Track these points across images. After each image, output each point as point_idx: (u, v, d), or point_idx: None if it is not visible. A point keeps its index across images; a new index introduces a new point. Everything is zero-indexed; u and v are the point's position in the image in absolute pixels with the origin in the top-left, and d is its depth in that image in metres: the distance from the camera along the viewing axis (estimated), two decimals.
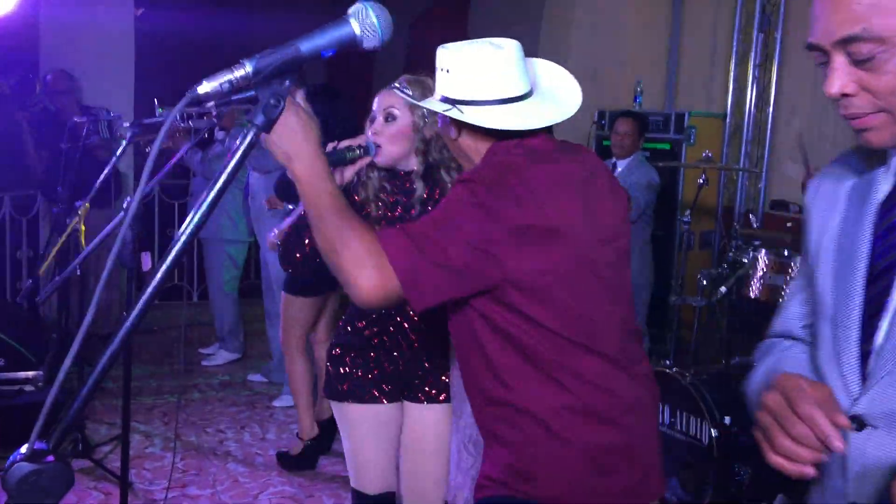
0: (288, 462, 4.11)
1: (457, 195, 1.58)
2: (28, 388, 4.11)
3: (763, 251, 3.63)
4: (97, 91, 5.93)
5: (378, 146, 2.29)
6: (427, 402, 2.48)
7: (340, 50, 1.02)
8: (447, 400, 2.47)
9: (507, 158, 1.66)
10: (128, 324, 0.97)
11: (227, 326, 5.77)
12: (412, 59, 8.68)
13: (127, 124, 4.40)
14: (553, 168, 1.66)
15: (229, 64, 1.02)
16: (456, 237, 1.53)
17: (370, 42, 1.03)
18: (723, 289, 3.18)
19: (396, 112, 2.32)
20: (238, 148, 1.01)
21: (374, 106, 2.37)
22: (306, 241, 2.25)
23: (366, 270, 1.48)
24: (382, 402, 2.48)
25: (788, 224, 4.30)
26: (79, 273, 4.88)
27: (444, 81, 1.72)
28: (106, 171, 3.89)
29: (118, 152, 3.97)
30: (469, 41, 1.73)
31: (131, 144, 4.36)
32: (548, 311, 1.64)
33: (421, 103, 1.78)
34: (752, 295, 3.59)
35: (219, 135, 5.26)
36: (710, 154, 4.24)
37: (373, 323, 2.45)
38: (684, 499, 3.60)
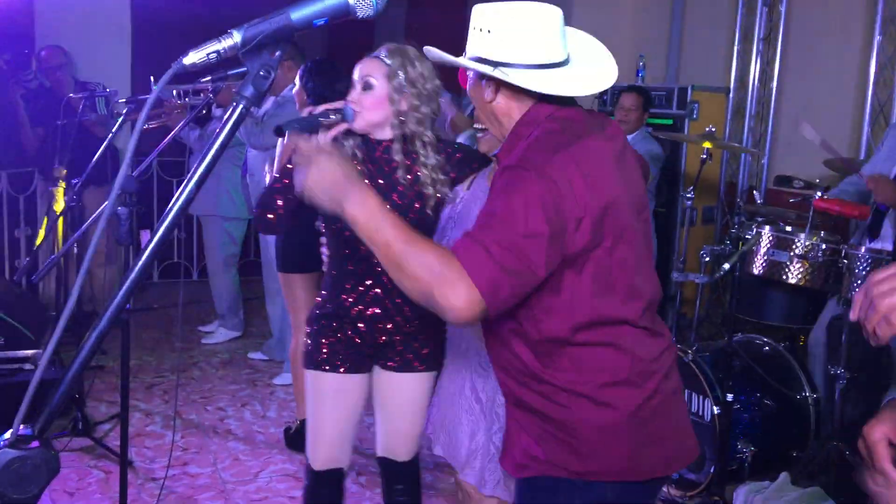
0: (293, 440, 4.04)
1: (512, 186, 1.55)
2: (27, 366, 4.09)
3: (767, 227, 3.59)
4: (93, 67, 5.86)
5: (356, 112, 2.32)
6: (404, 372, 2.54)
7: (333, 19, 0.98)
8: (425, 369, 2.54)
9: (548, 136, 1.64)
10: (116, 301, 0.94)
11: (226, 304, 5.75)
12: (411, 32, 8.59)
13: (123, 100, 4.36)
14: (594, 144, 1.65)
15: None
16: (525, 244, 1.51)
17: (364, 10, 0.99)
18: (726, 266, 3.15)
19: (373, 81, 2.34)
20: (226, 122, 0.97)
21: (355, 74, 2.39)
22: (279, 203, 2.39)
23: (455, 290, 1.47)
24: (350, 373, 2.53)
25: (791, 200, 4.25)
26: (76, 251, 4.85)
27: (483, 42, 1.69)
28: (102, 148, 3.86)
29: (114, 128, 3.94)
30: (510, 2, 1.70)
31: (128, 121, 4.32)
32: (588, 281, 1.64)
33: (459, 61, 1.72)
34: (755, 271, 3.55)
35: (216, 112, 5.20)
36: (713, 129, 4.18)
37: (351, 294, 2.48)
38: (686, 475, 3.59)
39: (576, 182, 1.55)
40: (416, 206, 2.40)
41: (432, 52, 1.83)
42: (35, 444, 0.86)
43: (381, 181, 2.40)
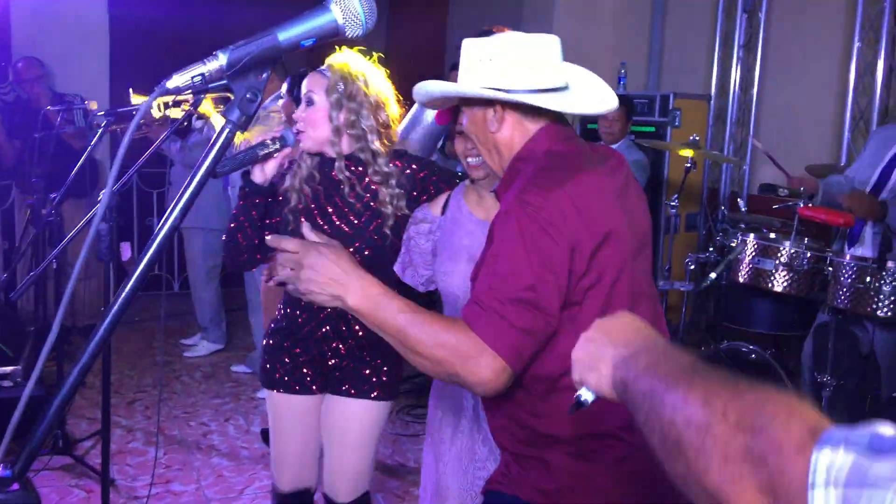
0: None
1: (510, 233, 1.52)
2: (6, 383, 4.02)
3: (751, 235, 3.59)
4: (71, 79, 5.80)
5: (299, 132, 2.28)
6: (357, 398, 2.43)
7: (321, 39, 0.95)
8: (378, 398, 2.44)
9: (543, 173, 1.60)
10: (101, 331, 0.91)
11: (208, 316, 5.69)
12: (393, 42, 8.58)
13: (102, 112, 4.31)
14: (592, 178, 1.63)
15: (207, 50, 0.95)
16: (536, 296, 1.48)
17: (353, 30, 0.96)
18: (713, 275, 3.15)
19: (315, 97, 2.29)
20: (213, 145, 0.94)
21: (303, 89, 2.35)
22: (240, 241, 2.34)
23: (479, 365, 1.44)
24: (310, 393, 2.47)
25: (775, 206, 4.26)
26: (55, 266, 4.78)
27: (485, 71, 1.67)
28: (81, 161, 3.80)
29: (93, 141, 3.88)
30: (509, 32, 1.75)
31: (107, 133, 4.27)
32: (586, 320, 1.40)
33: (465, 90, 1.68)
34: (740, 279, 3.55)
35: (197, 123, 5.14)
36: (696, 137, 4.19)
37: (305, 313, 2.42)
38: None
39: (569, 216, 1.53)
40: (374, 224, 2.33)
41: (429, 85, 1.77)
42: (15, 486, 0.82)
43: (337, 201, 2.35)
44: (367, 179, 2.32)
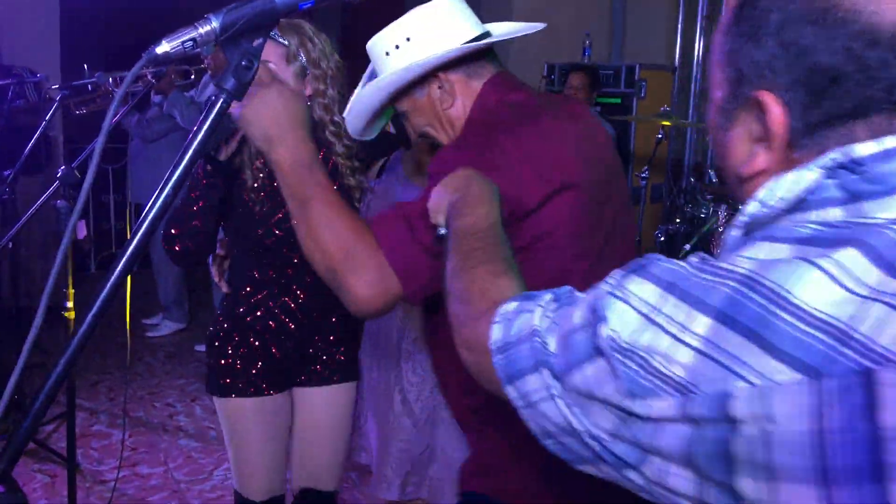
0: None
1: (443, 168, 1.38)
2: None
3: (722, 206, 3.59)
4: (20, 52, 5.59)
5: None
6: (319, 385, 2.29)
7: (319, 2, 0.89)
8: (341, 380, 2.31)
9: (491, 117, 1.51)
10: (73, 346, 0.84)
11: (171, 295, 5.58)
12: (347, 23, 8.42)
13: (56, 86, 4.16)
14: (546, 124, 1.51)
15: (164, 23, 0.88)
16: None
17: None
18: (687, 246, 3.13)
19: (273, 66, 2.01)
20: (206, 118, 0.88)
21: None
22: (201, 230, 2.07)
23: (365, 275, 1.31)
24: (269, 394, 2.23)
25: None
26: (10, 245, 4.63)
27: (407, 53, 1.55)
28: (36, 136, 3.66)
29: (48, 116, 3.74)
30: (408, 13, 1.57)
31: (60, 108, 4.12)
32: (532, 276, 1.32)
33: (401, 75, 1.54)
34: (715, 251, 3.55)
35: (155, 98, 5.01)
36: (667, 108, 4.17)
37: (254, 307, 2.21)
38: None
39: (513, 159, 1.41)
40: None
41: (358, 100, 1.63)
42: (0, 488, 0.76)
43: None
44: (320, 154, 2.13)
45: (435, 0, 1.56)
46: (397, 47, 1.56)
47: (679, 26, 6.18)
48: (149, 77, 3.66)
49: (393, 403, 2.31)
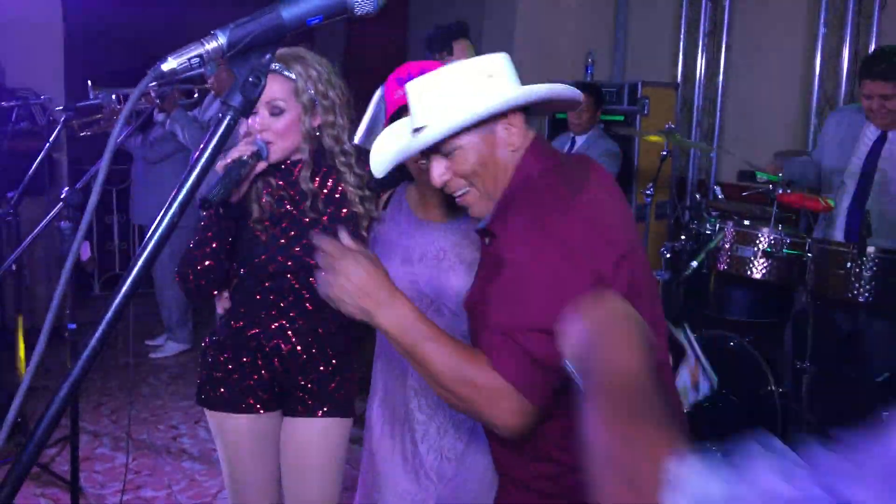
0: None
1: (525, 261, 1.45)
2: None
3: (729, 223, 3.57)
4: (24, 73, 5.60)
5: (268, 143, 2.04)
6: (308, 416, 2.24)
7: (329, 17, 0.87)
8: (331, 413, 2.25)
9: (544, 186, 1.55)
10: (76, 370, 0.82)
11: (175, 316, 5.55)
12: (352, 36, 8.45)
13: (60, 107, 4.16)
14: (596, 195, 1.57)
15: (166, 43, 0.86)
16: (550, 328, 1.32)
17: (363, 7, 0.88)
18: (694, 263, 3.11)
19: (282, 104, 2.03)
20: (213, 135, 0.86)
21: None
22: (215, 270, 2.10)
23: (503, 408, 1.39)
24: (259, 412, 2.21)
25: (744, 193, 4.26)
26: (13, 268, 4.61)
27: (487, 87, 1.57)
28: (39, 157, 3.66)
29: (52, 137, 3.74)
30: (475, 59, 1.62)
31: (64, 129, 4.12)
32: None
33: (484, 111, 1.53)
34: (721, 267, 3.53)
35: (158, 117, 5.01)
36: (672, 125, 4.16)
37: (250, 325, 2.19)
38: None
39: (589, 237, 1.47)
40: (350, 229, 2.11)
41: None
42: None
43: (303, 207, 2.15)
44: (329, 182, 2.17)
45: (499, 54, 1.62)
46: (480, 75, 1.57)
47: (681, 43, 6.18)
48: (153, 96, 3.67)
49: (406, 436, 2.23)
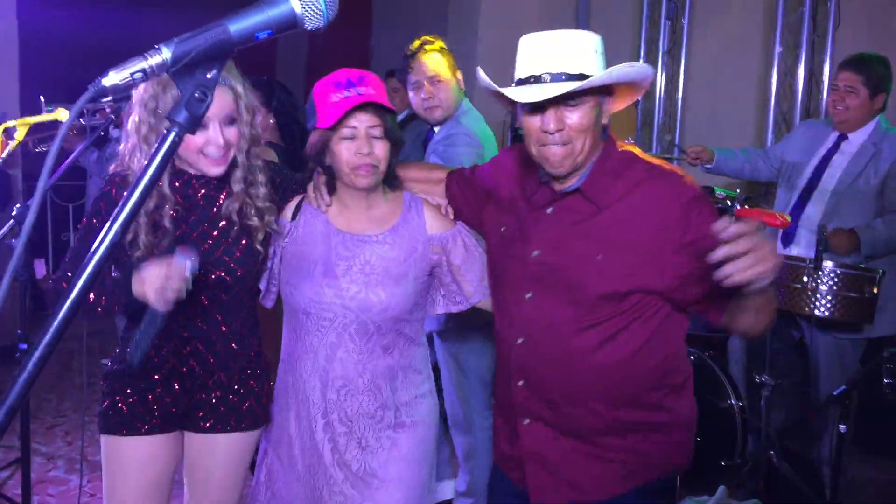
0: None
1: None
2: None
3: None
4: None
5: (223, 155, 1.98)
6: (220, 432, 2.17)
7: (279, 31, 0.86)
8: (237, 428, 2.17)
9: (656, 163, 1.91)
10: (32, 364, 0.79)
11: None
12: (315, 51, 8.43)
13: (13, 122, 4.08)
14: None
15: (123, 57, 0.84)
16: None
17: (313, 21, 0.87)
18: None
19: (234, 114, 1.98)
20: (157, 152, 0.84)
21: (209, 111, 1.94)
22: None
23: None
24: (156, 434, 2.13)
25: None
26: None
27: (601, 62, 1.77)
28: None
29: (4, 153, 3.66)
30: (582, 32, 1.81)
31: (18, 145, 4.04)
32: None
33: (643, 68, 1.83)
34: None
35: (114, 133, 4.93)
36: (631, 141, 4.19)
37: (166, 346, 2.10)
38: None
39: None
40: (244, 241, 2.08)
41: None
42: None
43: (204, 222, 2.07)
44: (223, 194, 2.08)
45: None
46: (595, 52, 1.76)
47: (641, 60, 6.25)
48: (108, 112, 3.61)
49: (322, 453, 2.19)
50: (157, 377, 2.12)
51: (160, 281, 1.71)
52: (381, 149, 2.05)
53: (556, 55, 1.71)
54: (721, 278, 1.44)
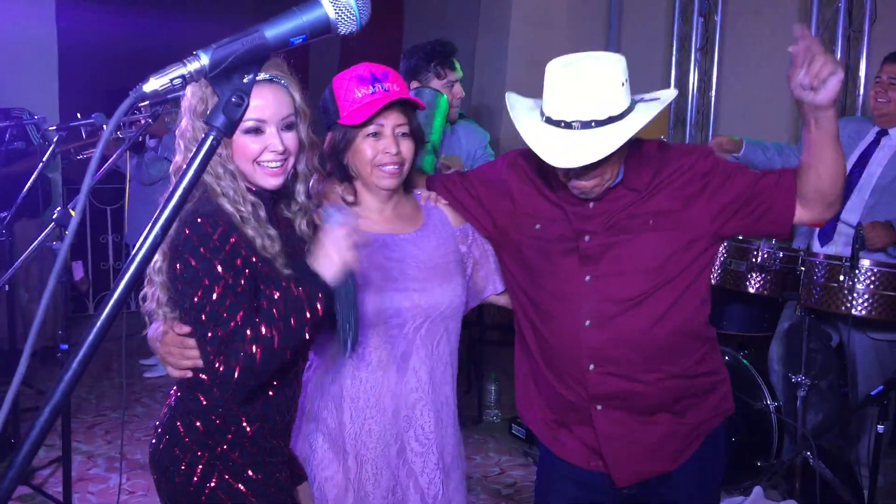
0: None
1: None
2: None
3: None
4: (19, 94, 5.61)
5: (279, 167, 1.76)
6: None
7: (312, 36, 0.88)
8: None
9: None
10: (58, 393, 0.82)
11: None
12: (347, 52, 8.48)
13: (53, 127, 4.17)
14: None
15: (160, 64, 0.86)
16: None
17: (346, 26, 0.89)
18: None
19: (292, 118, 1.77)
20: (197, 154, 0.86)
21: (260, 113, 1.70)
22: None
23: None
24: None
25: None
26: (6, 288, 4.60)
27: (625, 93, 1.79)
28: (33, 178, 3.66)
29: (45, 157, 3.74)
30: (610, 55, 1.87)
31: (59, 150, 4.12)
32: None
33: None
34: (713, 282, 3.53)
35: (150, 142, 5.04)
36: (664, 139, 4.17)
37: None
38: None
39: None
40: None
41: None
42: None
43: (293, 245, 1.86)
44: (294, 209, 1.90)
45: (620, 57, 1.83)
46: (622, 84, 1.78)
47: (673, 58, 6.21)
48: (142, 121, 3.67)
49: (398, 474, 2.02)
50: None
51: (333, 245, 1.65)
52: (407, 148, 1.98)
53: (583, 100, 1.77)
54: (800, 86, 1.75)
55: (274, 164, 1.72)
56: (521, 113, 1.89)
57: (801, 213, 1.90)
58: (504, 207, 2.06)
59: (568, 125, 1.76)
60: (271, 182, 1.74)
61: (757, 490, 3.20)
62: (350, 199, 2.03)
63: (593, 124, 1.74)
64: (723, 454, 2.15)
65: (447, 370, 2.06)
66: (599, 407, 1.96)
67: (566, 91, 1.76)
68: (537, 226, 2.00)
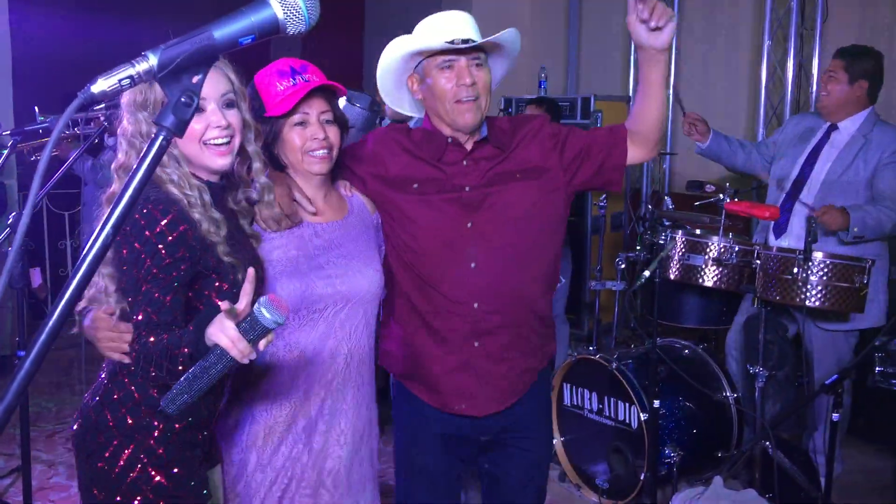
0: None
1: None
2: None
3: (679, 232, 3.63)
4: None
5: (230, 139, 1.80)
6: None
7: (261, 36, 0.88)
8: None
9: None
10: (27, 365, 0.82)
11: None
12: (308, 55, 8.45)
13: (7, 132, 4.10)
14: None
15: (114, 66, 0.86)
16: None
17: (295, 26, 0.89)
18: (646, 272, 3.15)
19: (232, 96, 1.81)
20: (146, 155, 0.86)
21: (207, 92, 1.73)
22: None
23: None
24: None
25: (697, 203, 4.32)
26: None
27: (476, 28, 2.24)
28: None
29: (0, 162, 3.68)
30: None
31: (13, 154, 4.06)
32: None
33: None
34: (671, 276, 3.58)
35: (109, 141, 4.96)
36: None
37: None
38: (615, 484, 3.58)
39: None
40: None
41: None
42: None
43: (241, 229, 1.93)
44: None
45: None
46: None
47: (632, 57, 6.27)
48: (101, 119, 3.63)
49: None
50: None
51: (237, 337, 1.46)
52: (333, 134, 2.07)
53: (462, 24, 2.24)
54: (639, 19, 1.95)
55: (220, 141, 1.75)
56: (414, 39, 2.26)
57: (633, 153, 2.19)
58: (377, 173, 2.22)
59: (452, 42, 2.17)
60: (219, 162, 1.76)
61: (717, 480, 3.25)
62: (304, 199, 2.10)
63: (471, 42, 2.18)
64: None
65: (365, 352, 2.17)
66: (476, 343, 2.19)
67: (444, 20, 2.25)
68: (415, 185, 2.18)
